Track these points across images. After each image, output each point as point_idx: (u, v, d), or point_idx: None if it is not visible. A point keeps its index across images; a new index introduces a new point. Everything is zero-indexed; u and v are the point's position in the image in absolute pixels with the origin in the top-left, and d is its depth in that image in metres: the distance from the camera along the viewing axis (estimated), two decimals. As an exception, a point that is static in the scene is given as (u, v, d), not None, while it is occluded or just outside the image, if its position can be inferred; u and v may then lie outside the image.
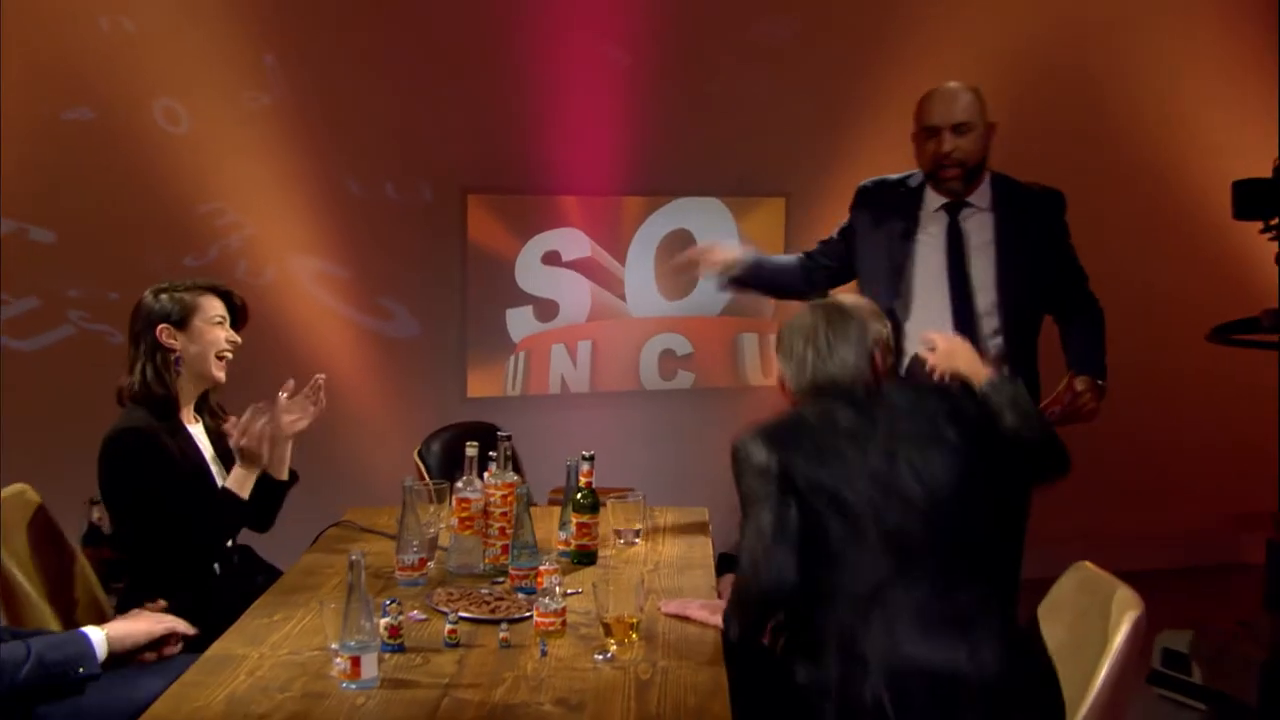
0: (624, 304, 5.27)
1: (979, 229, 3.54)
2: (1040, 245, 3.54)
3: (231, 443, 3.14)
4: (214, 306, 3.19)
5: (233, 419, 3.19)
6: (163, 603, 2.84)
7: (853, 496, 2.46)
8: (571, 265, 5.21)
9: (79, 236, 4.74)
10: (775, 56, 5.33)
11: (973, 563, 2.50)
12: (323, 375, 3.29)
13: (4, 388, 4.55)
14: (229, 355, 3.21)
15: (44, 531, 3.17)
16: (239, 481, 3.12)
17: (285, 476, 3.28)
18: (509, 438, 3.06)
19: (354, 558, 2.37)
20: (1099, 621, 2.37)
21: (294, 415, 3.21)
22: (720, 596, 3.01)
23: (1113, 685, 2.25)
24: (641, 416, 5.30)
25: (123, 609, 3.09)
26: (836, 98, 5.33)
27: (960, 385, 2.82)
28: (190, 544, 3.09)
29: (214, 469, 3.23)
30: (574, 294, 5.22)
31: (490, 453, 3.04)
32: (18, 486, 3.17)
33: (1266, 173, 4.15)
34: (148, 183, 4.78)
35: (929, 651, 2.40)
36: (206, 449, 3.25)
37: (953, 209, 3.55)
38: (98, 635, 2.51)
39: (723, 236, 5.29)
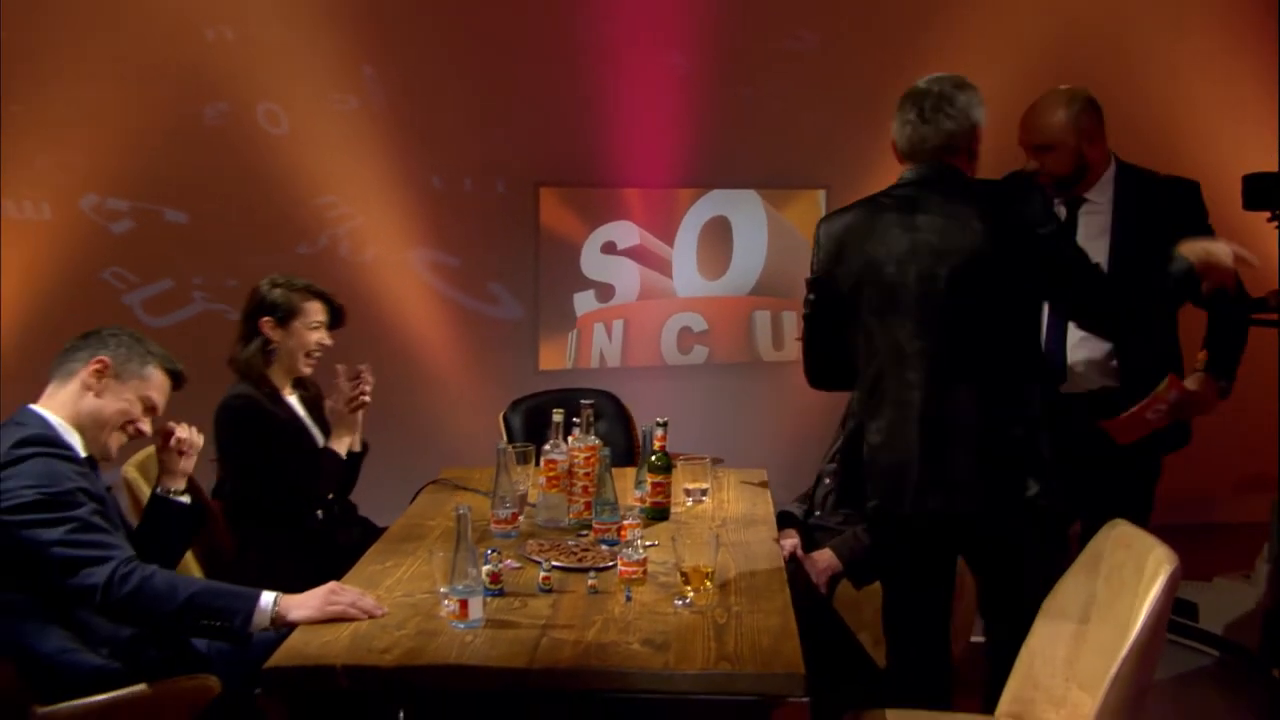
0: (671, 284, 5.28)
1: (1092, 223, 3.16)
2: (1164, 238, 2.91)
3: (328, 408, 3.27)
4: (315, 312, 3.27)
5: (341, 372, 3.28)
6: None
7: (874, 290, 2.61)
8: (625, 253, 5.24)
9: (206, 219, 4.86)
10: (816, 58, 5.32)
11: (967, 366, 2.58)
12: (366, 365, 3.33)
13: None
14: (318, 355, 3.29)
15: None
16: (336, 445, 3.26)
17: (359, 448, 3.38)
18: (592, 404, 3.08)
19: (461, 512, 2.39)
20: (1133, 575, 2.33)
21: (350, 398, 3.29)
22: (782, 549, 3.03)
23: (1149, 633, 2.21)
24: (663, 387, 5.31)
25: (241, 556, 3.15)
26: (873, 95, 5.27)
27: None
28: (294, 491, 3.17)
29: (319, 439, 3.32)
30: (627, 278, 5.26)
31: (574, 419, 3.06)
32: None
33: (1270, 166, 4.11)
34: (257, 175, 4.85)
35: (901, 447, 2.59)
36: (304, 416, 3.33)
37: (1072, 204, 3.20)
38: (265, 601, 2.37)
39: (758, 224, 5.30)
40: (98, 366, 2.48)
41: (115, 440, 2.52)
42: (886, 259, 2.60)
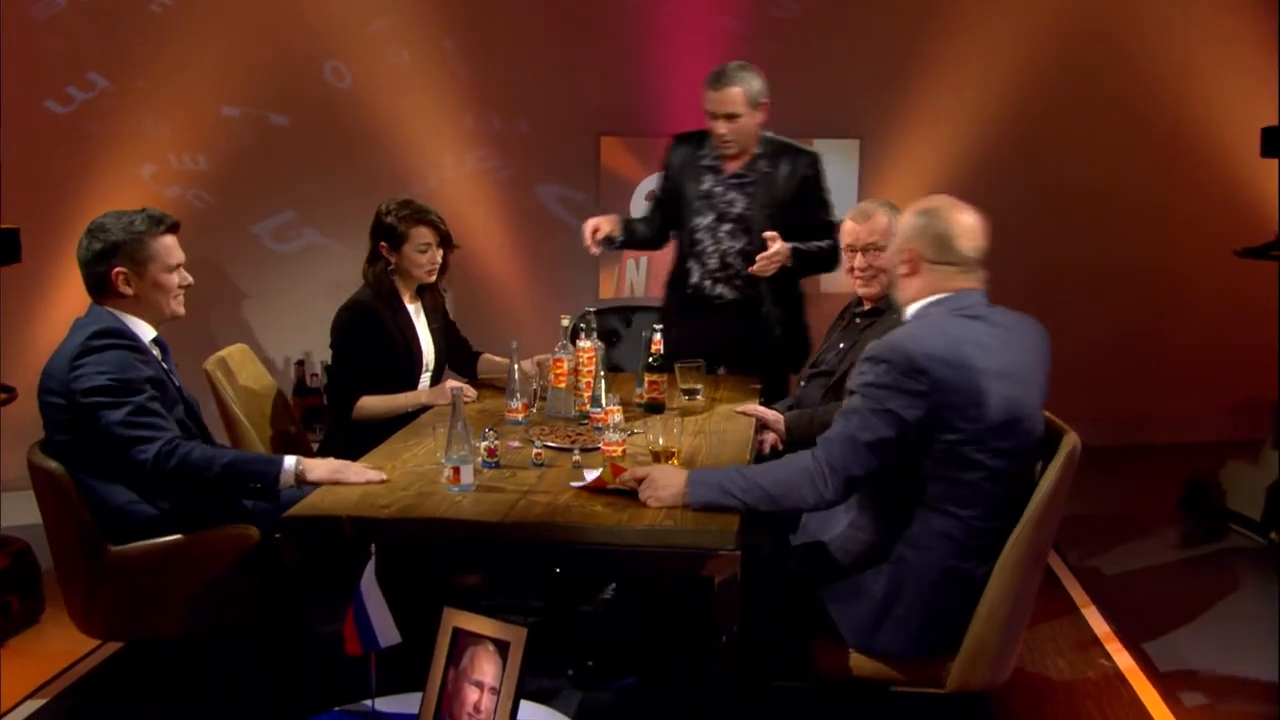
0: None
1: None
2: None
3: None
4: (422, 235, 3.22)
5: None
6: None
7: None
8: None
9: (308, 125, 4.88)
10: (854, 16, 5.16)
11: None
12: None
13: (256, 277, 4.84)
14: (430, 269, 3.26)
15: (259, 381, 3.32)
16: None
17: None
18: (594, 313, 3.10)
19: (455, 393, 2.46)
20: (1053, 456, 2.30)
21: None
22: (763, 444, 3.01)
23: (1046, 500, 2.20)
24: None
25: (326, 442, 3.26)
26: (907, 52, 5.14)
27: None
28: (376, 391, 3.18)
29: (425, 341, 3.33)
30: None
31: (580, 325, 3.09)
32: (239, 345, 3.33)
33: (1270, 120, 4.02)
34: (342, 127, 4.90)
35: None
36: (421, 323, 3.34)
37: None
38: (288, 463, 2.45)
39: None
40: (120, 276, 2.49)
41: (176, 305, 2.56)
42: None
